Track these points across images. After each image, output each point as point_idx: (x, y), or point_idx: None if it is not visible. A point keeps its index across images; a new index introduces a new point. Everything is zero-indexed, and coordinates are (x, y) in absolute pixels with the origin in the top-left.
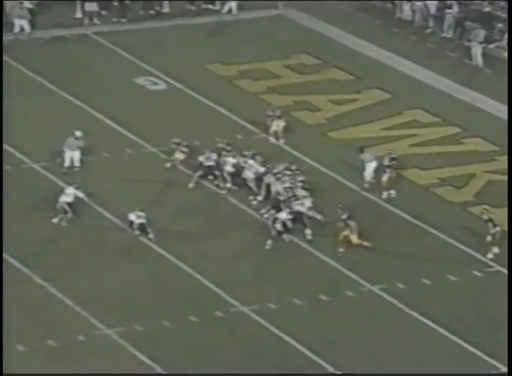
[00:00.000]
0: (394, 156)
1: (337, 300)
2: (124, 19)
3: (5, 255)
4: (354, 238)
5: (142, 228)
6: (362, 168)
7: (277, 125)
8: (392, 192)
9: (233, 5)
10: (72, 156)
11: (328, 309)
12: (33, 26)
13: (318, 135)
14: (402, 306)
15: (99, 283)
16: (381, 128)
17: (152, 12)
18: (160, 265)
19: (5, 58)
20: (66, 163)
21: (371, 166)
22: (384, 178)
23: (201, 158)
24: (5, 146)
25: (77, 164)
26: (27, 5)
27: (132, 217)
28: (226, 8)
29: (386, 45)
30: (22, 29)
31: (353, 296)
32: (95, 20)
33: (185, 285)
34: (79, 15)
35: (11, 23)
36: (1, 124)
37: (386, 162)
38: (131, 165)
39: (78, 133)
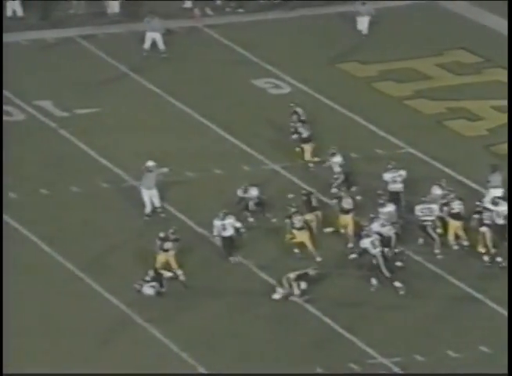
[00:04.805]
0: None
1: None
2: (241, 10)
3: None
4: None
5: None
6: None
7: (308, 150)
8: None
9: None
10: (150, 196)
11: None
12: (131, 16)
13: (478, 150)
14: None
15: (207, 325)
16: None
17: (275, 0)
18: (281, 307)
19: (101, 54)
20: (148, 208)
21: (497, 192)
22: None
23: None
24: (102, 160)
25: (157, 203)
26: None
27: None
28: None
29: None
30: (154, 44)
31: None
32: (208, 11)
33: (312, 330)
34: (188, 5)
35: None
36: (1, 128)
37: None
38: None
39: (150, 163)
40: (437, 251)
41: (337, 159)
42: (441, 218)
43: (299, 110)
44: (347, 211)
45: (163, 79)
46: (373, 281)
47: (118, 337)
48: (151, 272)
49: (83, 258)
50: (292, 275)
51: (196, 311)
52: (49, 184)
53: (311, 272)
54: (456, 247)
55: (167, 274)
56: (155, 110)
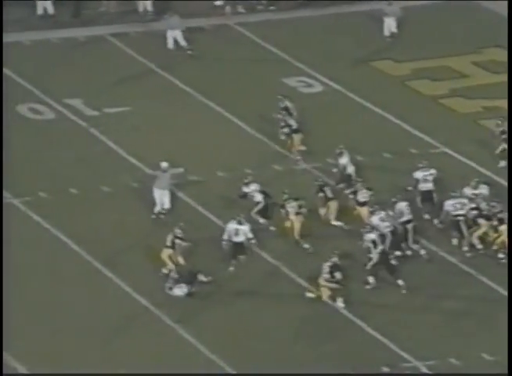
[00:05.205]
0: None
1: None
2: (273, 8)
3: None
4: None
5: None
6: None
7: (296, 143)
8: None
9: None
10: (161, 196)
11: None
12: (163, 14)
13: None
14: None
15: (236, 326)
16: None
17: None
18: (311, 308)
19: (132, 53)
20: (158, 206)
21: None
22: None
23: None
24: (132, 159)
25: (166, 205)
26: None
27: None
28: None
29: None
30: (176, 42)
31: None
32: (239, 8)
33: (345, 333)
34: (218, 2)
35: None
36: (1, 130)
37: None
38: (278, 184)
39: (164, 164)
40: (465, 248)
41: (344, 160)
42: (472, 220)
43: (288, 103)
44: (363, 204)
45: (194, 78)
46: (370, 279)
47: (144, 335)
48: (178, 273)
49: (111, 258)
50: (326, 275)
51: (224, 311)
52: (79, 183)
53: (336, 259)
54: (479, 246)
55: (203, 278)
56: (185, 109)
